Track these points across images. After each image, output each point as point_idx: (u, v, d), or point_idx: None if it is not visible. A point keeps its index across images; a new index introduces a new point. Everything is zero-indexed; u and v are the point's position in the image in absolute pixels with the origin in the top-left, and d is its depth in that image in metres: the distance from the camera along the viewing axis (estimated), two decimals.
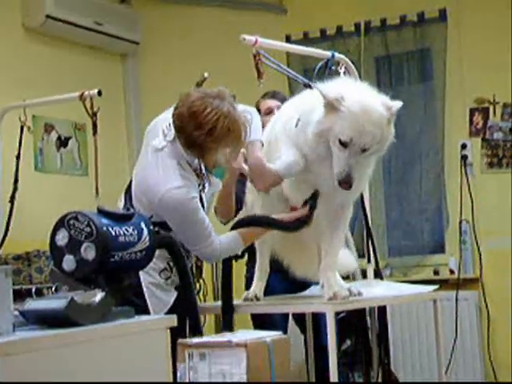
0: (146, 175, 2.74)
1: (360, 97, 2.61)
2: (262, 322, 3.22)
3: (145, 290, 2.73)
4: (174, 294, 2.81)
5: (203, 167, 2.80)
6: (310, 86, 2.79)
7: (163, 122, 2.78)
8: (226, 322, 2.77)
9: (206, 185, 2.81)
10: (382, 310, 3.47)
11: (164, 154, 2.71)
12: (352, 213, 3.06)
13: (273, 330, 2.32)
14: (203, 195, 2.78)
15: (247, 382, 2.10)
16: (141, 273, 2.65)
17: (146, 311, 2.70)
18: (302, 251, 3.06)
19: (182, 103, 2.66)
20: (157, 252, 2.53)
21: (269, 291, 3.08)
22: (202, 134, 2.61)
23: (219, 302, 2.88)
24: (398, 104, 2.65)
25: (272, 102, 3.52)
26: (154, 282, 2.76)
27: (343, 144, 2.55)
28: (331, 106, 2.56)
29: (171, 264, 2.76)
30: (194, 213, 2.67)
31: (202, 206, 2.74)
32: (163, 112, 2.87)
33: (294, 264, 3.11)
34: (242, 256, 2.92)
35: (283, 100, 3.33)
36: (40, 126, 5.04)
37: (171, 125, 2.71)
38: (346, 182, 2.55)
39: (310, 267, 3.02)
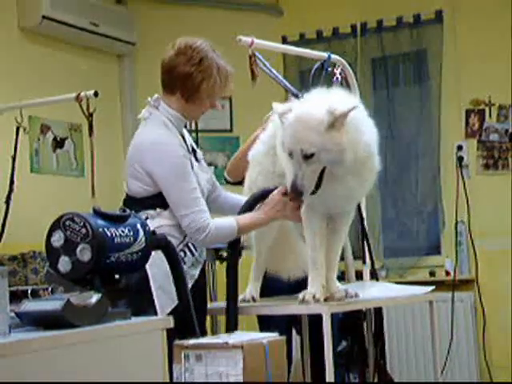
0: (136, 141, 2.80)
1: (304, 106, 2.58)
2: (268, 322, 3.24)
3: (151, 282, 2.66)
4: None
5: (188, 139, 2.87)
6: (297, 96, 2.82)
7: (143, 113, 2.87)
8: (230, 324, 2.72)
9: (193, 160, 2.81)
10: (378, 311, 3.48)
11: (149, 120, 2.81)
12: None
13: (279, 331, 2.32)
14: (194, 165, 2.78)
15: (244, 382, 2.10)
16: (148, 265, 2.57)
17: (153, 306, 2.64)
18: (287, 251, 3.06)
19: (168, 49, 2.82)
20: None
21: (272, 292, 3.09)
22: (193, 64, 2.74)
23: (216, 304, 2.89)
24: (345, 107, 2.50)
25: None
26: (162, 273, 2.63)
27: (289, 155, 2.57)
28: (281, 121, 2.61)
29: (183, 254, 2.70)
30: (181, 162, 2.69)
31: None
32: None
33: (281, 264, 3.11)
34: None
35: None
36: (36, 126, 5.03)
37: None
38: (294, 192, 2.54)
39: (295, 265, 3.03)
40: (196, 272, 2.76)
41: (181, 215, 2.68)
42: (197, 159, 2.87)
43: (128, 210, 2.32)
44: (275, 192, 2.79)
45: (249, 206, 2.81)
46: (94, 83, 4.55)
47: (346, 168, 2.57)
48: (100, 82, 5.21)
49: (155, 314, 2.62)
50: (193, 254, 2.75)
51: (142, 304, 2.55)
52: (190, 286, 2.68)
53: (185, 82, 2.77)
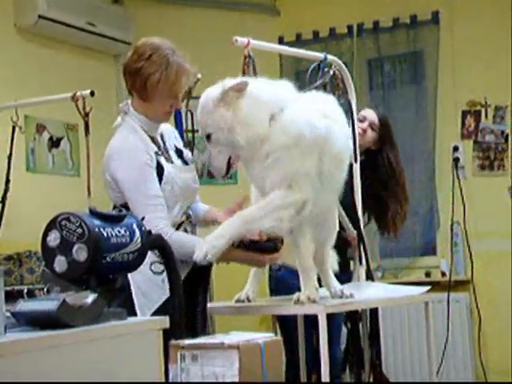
0: (105, 153, 2.77)
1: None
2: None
3: (132, 285, 2.62)
4: (165, 295, 2.62)
5: (168, 141, 2.84)
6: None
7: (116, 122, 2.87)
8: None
9: (173, 157, 2.79)
10: (374, 311, 3.48)
11: (121, 127, 2.79)
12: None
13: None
14: (166, 167, 2.73)
15: (240, 382, 2.10)
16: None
17: (133, 310, 2.60)
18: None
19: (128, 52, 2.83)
20: None
21: (285, 287, 3.10)
22: (142, 59, 2.72)
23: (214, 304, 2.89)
24: (234, 81, 2.58)
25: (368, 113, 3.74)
26: (143, 276, 2.60)
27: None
28: None
29: None
30: (142, 168, 2.65)
31: (161, 175, 2.69)
32: None
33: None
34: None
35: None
36: (32, 126, 5.03)
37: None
38: (208, 173, 2.69)
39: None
40: (183, 275, 2.69)
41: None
42: (183, 159, 2.83)
43: (125, 212, 2.32)
44: (256, 257, 2.72)
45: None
46: (91, 83, 4.54)
47: (245, 150, 2.57)
48: (96, 81, 5.20)
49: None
50: None
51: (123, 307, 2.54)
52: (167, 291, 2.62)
53: (134, 78, 2.76)
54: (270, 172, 2.64)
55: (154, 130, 2.81)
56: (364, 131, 3.67)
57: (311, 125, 2.66)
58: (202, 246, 2.54)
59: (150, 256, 2.59)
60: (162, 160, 2.75)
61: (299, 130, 2.63)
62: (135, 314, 2.61)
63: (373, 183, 3.66)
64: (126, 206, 2.70)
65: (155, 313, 2.63)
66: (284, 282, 3.22)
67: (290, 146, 2.62)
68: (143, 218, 2.33)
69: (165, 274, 2.62)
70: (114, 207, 2.77)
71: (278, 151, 2.62)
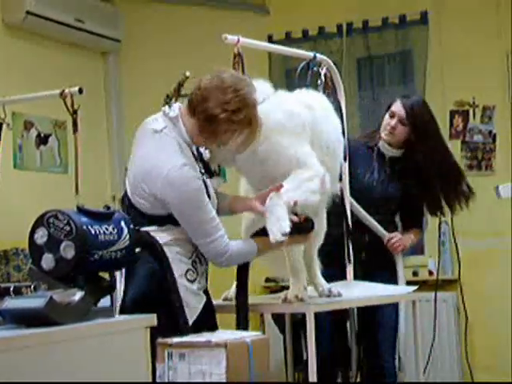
0: (145, 160, 2.58)
1: None
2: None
3: (182, 295, 2.57)
4: (203, 300, 2.65)
5: (204, 155, 2.74)
6: None
7: (153, 122, 2.68)
8: (240, 321, 2.71)
9: (207, 180, 2.69)
10: (371, 309, 3.49)
11: (163, 134, 2.59)
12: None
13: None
14: (207, 183, 2.67)
15: (228, 382, 2.10)
16: (168, 273, 2.55)
17: (183, 316, 2.56)
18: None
19: (212, 76, 2.58)
20: (176, 250, 2.56)
21: None
22: (226, 111, 2.53)
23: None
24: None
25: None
26: (181, 286, 2.58)
27: None
28: None
29: (195, 265, 2.64)
30: (199, 195, 2.54)
31: (208, 195, 2.62)
32: (145, 113, 2.84)
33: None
34: None
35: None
36: (19, 123, 5.00)
37: (174, 105, 2.65)
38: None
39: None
40: (205, 281, 2.70)
41: (201, 243, 2.59)
42: (209, 172, 2.75)
43: (113, 210, 2.31)
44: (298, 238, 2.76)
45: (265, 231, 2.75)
46: (79, 80, 4.52)
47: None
48: (85, 79, 5.18)
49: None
50: (202, 264, 2.67)
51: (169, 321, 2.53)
52: (204, 296, 2.66)
53: (208, 121, 2.56)
54: (267, 165, 2.74)
55: (193, 147, 2.68)
56: (393, 128, 3.57)
57: (290, 114, 2.75)
58: (272, 229, 2.60)
59: (185, 264, 2.62)
60: (205, 178, 2.67)
61: (276, 120, 2.71)
62: (178, 326, 2.53)
63: (420, 173, 3.58)
64: (156, 216, 2.60)
65: (195, 321, 2.59)
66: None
67: (267, 135, 2.68)
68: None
69: (198, 280, 2.64)
70: (129, 207, 2.64)
71: (261, 142, 2.69)
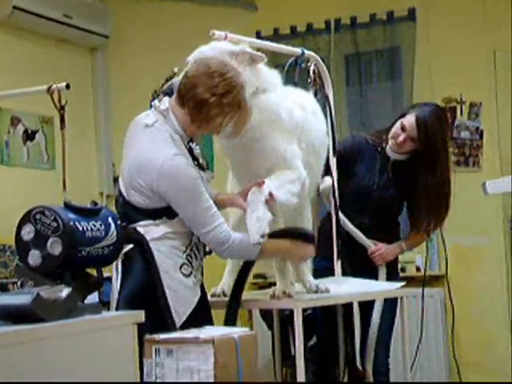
0: (139, 154, 2.58)
1: None
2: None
3: (167, 291, 2.55)
4: (198, 294, 2.64)
5: (194, 150, 2.72)
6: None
7: (145, 117, 2.68)
8: (229, 316, 2.72)
9: (201, 172, 2.68)
10: (349, 306, 3.49)
11: (155, 128, 2.60)
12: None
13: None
14: (202, 175, 2.66)
15: (219, 382, 2.10)
16: (161, 269, 2.55)
17: (169, 314, 2.54)
18: None
19: (198, 63, 2.61)
20: (170, 244, 2.55)
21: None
22: (215, 95, 2.54)
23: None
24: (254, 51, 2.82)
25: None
26: (174, 280, 2.58)
27: None
28: None
29: (190, 259, 2.63)
30: (194, 183, 2.54)
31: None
32: (133, 109, 2.83)
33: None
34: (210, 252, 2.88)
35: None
36: (6, 118, 4.98)
37: (164, 98, 2.65)
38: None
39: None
40: (200, 276, 2.70)
41: (202, 233, 2.58)
42: (201, 166, 2.72)
43: (101, 206, 2.30)
44: (307, 247, 2.80)
45: (278, 234, 2.76)
46: (66, 76, 4.50)
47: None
48: (72, 74, 5.17)
49: None
50: (196, 259, 2.67)
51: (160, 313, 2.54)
52: (199, 291, 2.65)
53: (199, 107, 2.57)
54: (255, 157, 2.74)
55: (185, 140, 2.67)
56: (402, 142, 3.44)
57: (290, 112, 2.79)
58: (252, 230, 2.60)
59: (180, 258, 2.61)
60: (199, 170, 2.66)
61: (276, 114, 2.73)
62: (172, 320, 2.53)
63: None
64: (152, 209, 2.58)
65: (188, 316, 2.58)
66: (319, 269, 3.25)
67: (263, 126, 2.68)
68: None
69: (193, 275, 2.64)
70: (124, 204, 2.63)
71: (252, 129, 2.70)
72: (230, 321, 2.72)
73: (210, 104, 2.55)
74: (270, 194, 2.65)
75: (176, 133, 2.61)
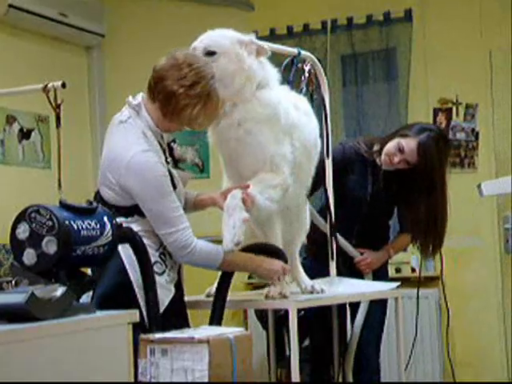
0: (110, 149, 2.60)
1: None
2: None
3: (136, 290, 2.54)
4: (171, 293, 2.62)
5: (175, 151, 2.74)
6: None
7: (120, 114, 2.68)
8: (214, 317, 2.71)
9: (171, 166, 2.68)
10: (343, 307, 3.49)
11: (128, 124, 2.60)
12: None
13: None
14: (174, 173, 2.66)
15: (214, 383, 2.10)
16: (130, 270, 2.54)
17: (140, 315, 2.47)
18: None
19: (167, 56, 2.61)
20: (147, 243, 2.52)
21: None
22: (183, 86, 2.53)
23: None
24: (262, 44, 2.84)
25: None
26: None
27: None
28: None
29: (164, 257, 2.61)
30: (162, 181, 2.53)
31: (174, 186, 2.60)
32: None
33: None
34: None
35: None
36: (2, 117, 4.97)
37: (138, 94, 2.66)
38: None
39: None
40: (175, 274, 2.69)
41: (163, 234, 2.56)
42: (177, 166, 2.74)
43: (96, 205, 2.29)
44: (279, 264, 2.76)
45: (250, 249, 2.75)
46: (62, 74, 4.49)
47: (231, 94, 2.72)
48: (68, 73, 5.16)
49: None
50: (171, 257, 2.65)
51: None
52: (173, 289, 2.63)
53: (167, 99, 2.56)
54: (246, 152, 2.73)
55: (159, 136, 2.66)
56: (397, 163, 3.34)
57: (287, 112, 2.79)
58: (226, 236, 2.58)
59: (152, 256, 2.59)
60: (170, 168, 2.66)
61: (276, 111, 2.73)
62: (143, 318, 2.49)
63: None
64: (123, 207, 2.58)
65: (163, 314, 2.56)
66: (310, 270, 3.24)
67: (261, 121, 2.68)
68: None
69: (167, 273, 2.62)
70: (100, 201, 2.60)
71: (249, 122, 2.70)
72: (214, 320, 2.70)
73: (178, 95, 2.54)
74: (251, 198, 2.64)
75: (149, 128, 2.60)
